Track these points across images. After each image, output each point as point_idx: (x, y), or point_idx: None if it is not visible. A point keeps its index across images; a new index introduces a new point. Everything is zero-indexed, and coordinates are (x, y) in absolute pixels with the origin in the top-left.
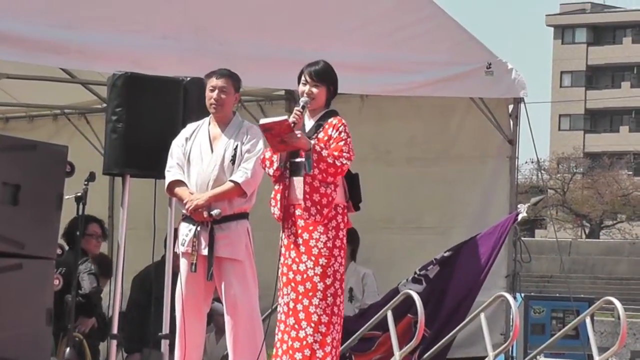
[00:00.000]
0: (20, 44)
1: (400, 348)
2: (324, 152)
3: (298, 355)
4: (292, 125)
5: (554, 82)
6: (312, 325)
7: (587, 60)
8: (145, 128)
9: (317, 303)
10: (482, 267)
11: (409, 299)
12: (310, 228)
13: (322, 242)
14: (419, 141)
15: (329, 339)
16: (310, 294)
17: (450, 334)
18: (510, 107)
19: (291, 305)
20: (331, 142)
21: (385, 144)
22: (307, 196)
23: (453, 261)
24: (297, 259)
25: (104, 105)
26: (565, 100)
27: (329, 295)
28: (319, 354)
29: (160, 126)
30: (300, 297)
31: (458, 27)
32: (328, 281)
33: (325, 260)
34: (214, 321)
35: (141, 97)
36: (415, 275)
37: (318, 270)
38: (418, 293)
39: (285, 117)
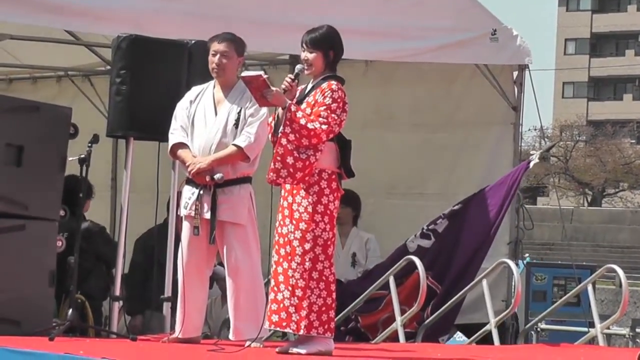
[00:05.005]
0: (24, 5)
1: (410, 304)
2: (299, 114)
3: (274, 317)
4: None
5: (558, 50)
6: (289, 288)
7: (591, 28)
8: (149, 91)
9: (294, 267)
10: (493, 220)
11: (416, 252)
12: (294, 192)
13: (303, 206)
14: (423, 107)
15: (305, 304)
16: (290, 257)
17: (453, 299)
18: (515, 73)
19: (273, 267)
20: (316, 106)
21: (388, 110)
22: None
23: (462, 214)
24: (282, 222)
25: (108, 67)
26: (569, 67)
27: (307, 260)
28: (295, 317)
29: (164, 89)
30: (281, 259)
31: None
32: (307, 246)
33: (305, 225)
34: (220, 285)
35: (146, 59)
36: (424, 230)
37: (298, 234)
38: (427, 248)
39: (262, 72)
